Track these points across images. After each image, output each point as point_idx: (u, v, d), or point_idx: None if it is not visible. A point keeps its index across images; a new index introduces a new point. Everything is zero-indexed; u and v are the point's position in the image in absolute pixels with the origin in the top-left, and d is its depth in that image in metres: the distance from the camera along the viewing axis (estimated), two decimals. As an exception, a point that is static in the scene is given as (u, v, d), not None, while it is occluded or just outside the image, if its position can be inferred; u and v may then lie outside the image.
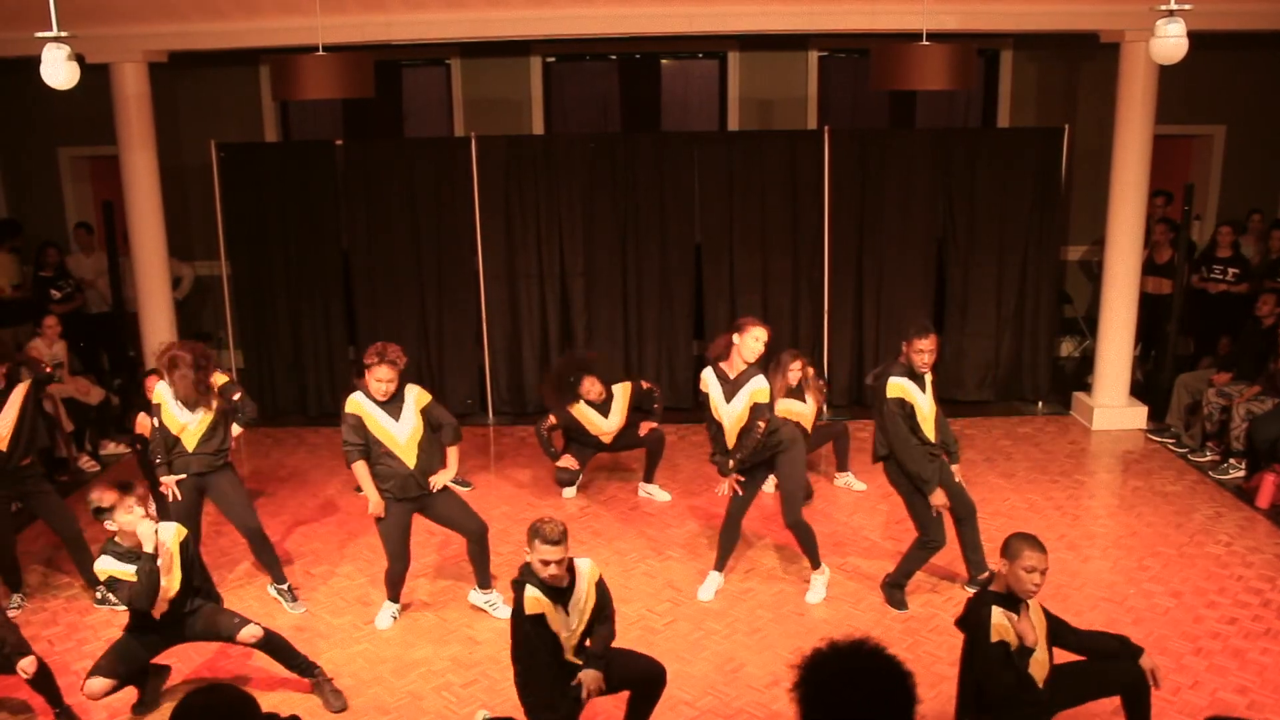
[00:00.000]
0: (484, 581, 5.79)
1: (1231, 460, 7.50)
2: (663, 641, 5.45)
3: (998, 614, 3.99)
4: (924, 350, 5.50)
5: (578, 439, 7.39)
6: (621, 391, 7.33)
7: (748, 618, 5.73)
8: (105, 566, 4.70)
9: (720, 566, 6.03)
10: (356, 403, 5.45)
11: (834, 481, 7.51)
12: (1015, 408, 9.12)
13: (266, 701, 4.83)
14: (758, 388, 5.60)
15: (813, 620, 5.68)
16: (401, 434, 5.45)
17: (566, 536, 4.19)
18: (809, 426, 6.99)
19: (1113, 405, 8.64)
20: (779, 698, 4.97)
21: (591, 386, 7.25)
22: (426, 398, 5.61)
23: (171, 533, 4.80)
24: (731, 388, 5.66)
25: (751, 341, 5.60)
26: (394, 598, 5.74)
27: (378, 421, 5.44)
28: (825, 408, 7.57)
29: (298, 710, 4.51)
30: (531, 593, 4.20)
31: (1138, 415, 8.60)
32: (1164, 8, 5.39)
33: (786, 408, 6.79)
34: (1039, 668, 4.05)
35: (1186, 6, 5.38)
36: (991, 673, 3.96)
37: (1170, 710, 4.71)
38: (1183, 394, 8.20)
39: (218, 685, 2.49)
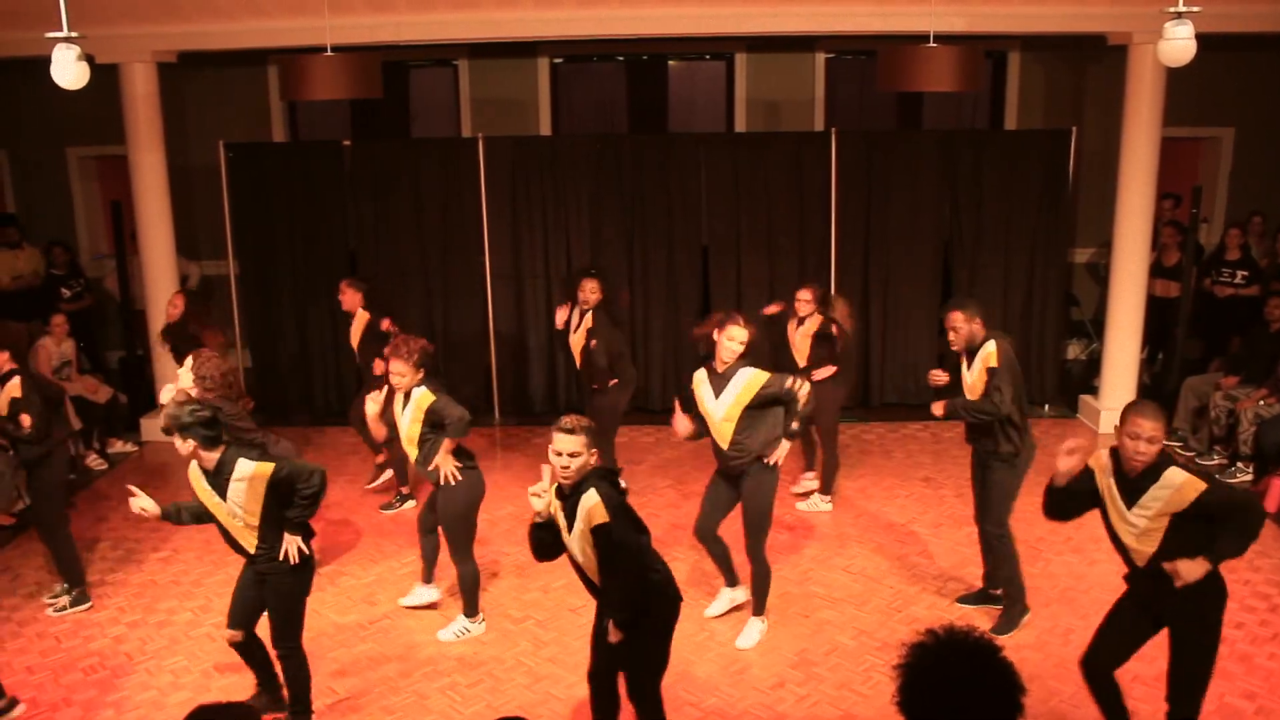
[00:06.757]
0: None
1: (1239, 464, 7.48)
2: (667, 642, 5.44)
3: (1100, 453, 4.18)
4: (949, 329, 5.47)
5: None
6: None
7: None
8: None
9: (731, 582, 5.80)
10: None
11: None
12: (1022, 410, 9.09)
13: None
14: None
15: (817, 621, 5.67)
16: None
17: (582, 432, 3.90)
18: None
19: (1120, 408, 8.55)
20: (784, 699, 4.97)
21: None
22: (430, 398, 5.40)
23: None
24: None
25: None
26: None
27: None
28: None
29: None
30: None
31: (1145, 418, 8.56)
32: (1172, 10, 5.38)
33: None
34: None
35: (1195, 8, 5.37)
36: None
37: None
38: (1190, 397, 8.17)
39: (230, 704, 2.43)
